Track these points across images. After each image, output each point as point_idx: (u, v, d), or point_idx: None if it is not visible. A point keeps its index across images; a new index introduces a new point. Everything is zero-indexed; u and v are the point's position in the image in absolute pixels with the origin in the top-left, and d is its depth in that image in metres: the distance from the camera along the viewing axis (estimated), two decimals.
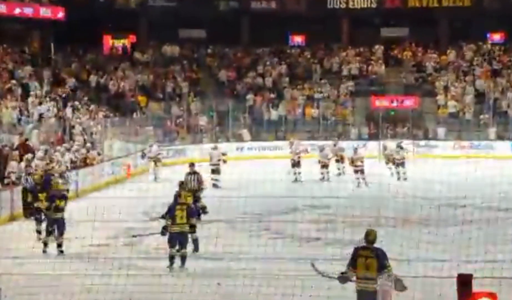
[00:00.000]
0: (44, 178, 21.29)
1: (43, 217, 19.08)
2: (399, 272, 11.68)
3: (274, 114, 44.37)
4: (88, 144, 32.06)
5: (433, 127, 43.44)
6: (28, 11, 43.71)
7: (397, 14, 49.14)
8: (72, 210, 19.73)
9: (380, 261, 11.06)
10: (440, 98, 44.29)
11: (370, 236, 11.29)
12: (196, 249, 17.55)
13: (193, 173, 22.72)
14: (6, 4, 42.53)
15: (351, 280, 11.29)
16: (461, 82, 45.37)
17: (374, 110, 44.02)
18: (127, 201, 25.02)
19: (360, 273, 11.08)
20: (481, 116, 42.89)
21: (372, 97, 44.61)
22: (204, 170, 25.92)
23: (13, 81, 38.07)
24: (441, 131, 42.83)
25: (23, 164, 24.65)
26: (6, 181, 24.32)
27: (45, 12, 44.40)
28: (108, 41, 50.39)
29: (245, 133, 42.99)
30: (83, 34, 45.75)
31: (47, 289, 14.16)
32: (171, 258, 16.38)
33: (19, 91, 37.00)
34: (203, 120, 43.42)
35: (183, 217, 16.56)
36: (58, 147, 29.47)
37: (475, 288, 8.45)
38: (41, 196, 19.39)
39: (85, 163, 30.08)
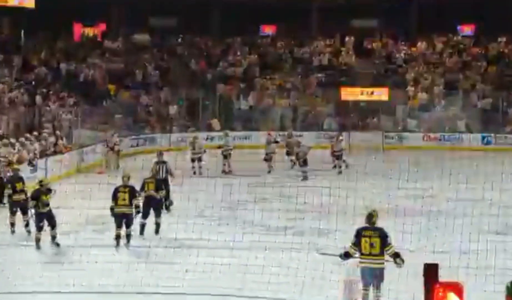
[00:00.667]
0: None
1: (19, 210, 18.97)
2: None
3: (244, 104, 44.38)
4: (58, 132, 31.94)
5: (403, 119, 43.59)
6: None
7: (367, 5, 49.29)
8: None
9: (383, 240, 12.24)
10: (410, 90, 44.48)
11: (372, 218, 12.48)
12: (156, 231, 18.56)
13: (162, 162, 22.64)
14: None
15: (352, 257, 12.47)
16: (431, 73, 45.61)
17: (344, 101, 44.14)
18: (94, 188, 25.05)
19: (365, 252, 12.24)
20: (451, 108, 43.11)
21: (342, 88, 44.73)
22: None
23: None
24: (411, 122, 43.03)
25: None
26: None
27: None
28: (79, 29, 50.08)
29: (215, 122, 42.93)
30: (54, 22, 45.48)
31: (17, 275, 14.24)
32: (117, 237, 17.54)
33: None
34: (173, 109, 43.33)
35: (126, 199, 17.51)
36: (27, 135, 29.37)
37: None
38: (18, 186, 19.30)
39: (54, 151, 29.99)
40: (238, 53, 48.18)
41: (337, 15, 49.16)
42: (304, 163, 29.18)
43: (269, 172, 30.59)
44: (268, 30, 51.10)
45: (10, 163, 20.10)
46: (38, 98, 36.83)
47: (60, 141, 31.09)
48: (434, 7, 47.34)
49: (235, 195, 19.94)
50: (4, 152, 25.01)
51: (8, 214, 19.14)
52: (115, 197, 17.61)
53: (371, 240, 12.22)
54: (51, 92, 38.86)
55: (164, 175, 21.91)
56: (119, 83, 44.57)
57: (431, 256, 13.81)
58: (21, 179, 19.70)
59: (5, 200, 20.29)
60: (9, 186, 19.30)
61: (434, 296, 7.03)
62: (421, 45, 48.07)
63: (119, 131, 35.63)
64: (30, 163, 26.51)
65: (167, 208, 21.12)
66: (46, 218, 17.63)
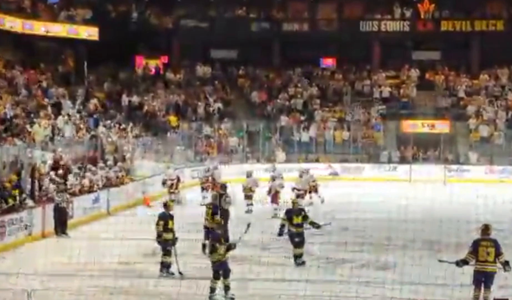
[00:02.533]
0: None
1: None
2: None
3: (304, 136, 44.34)
4: (120, 163, 32.23)
5: (465, 152, 43.13)
6: (63, 30, 44.17)
7: (429, 37, 49.03)
8: (104, 228, 19.80)
9: (497, 249, 14.16)
10: (472, 122, 44.02)
11: (489, 230, 14.39)
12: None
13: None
14: (41, 24, 43.00)
15: (468, 264, 14.28)
16: (493, 106, 45.09)
17: (405, 134, 43.89)
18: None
19: (481, 258, 14.09)
20: None
21: (403, 120, 44.49)
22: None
23: (47, 100, 38.45)
24: (472, 155, 42.53)
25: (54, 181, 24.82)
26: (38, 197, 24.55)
27: (79, 31, 44.84)
28: (141, 61, 50.70)
29: (279, 153, 42.86)
30: (116, 54, 46.11)
31: None
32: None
33: (52, 109, 37.31)
34: (233, 141, 43.48)
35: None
36: (89, 166, 29.66)
37: None
38: (170, 224, 17.71)
39: (116, 182, 30.24)
40: (299, 85, 48.20)
41: (398, 47, 48.96)
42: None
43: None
44: (329, 61, 51.07)
45: (166, 204, 18.72)
46: (100, 130, 37.21)
47: (122, 172, 31.35)
48: (496, 40, 46.83)
49: None
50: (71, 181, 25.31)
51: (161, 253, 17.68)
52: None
53: (488, 249, 14.10)
54: (113, 124, 39.24)
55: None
56: (181, 115, 44.90)
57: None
58: (172, 217, 17.90)
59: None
60: (161, 223, 17.55)
61: None
62: (483, 77, 47.55)
63: (179, 163, 35.74)
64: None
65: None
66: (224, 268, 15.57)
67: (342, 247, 19.38)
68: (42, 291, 14.13)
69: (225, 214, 21.43)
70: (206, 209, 19.89)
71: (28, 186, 24.89)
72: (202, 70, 49.36)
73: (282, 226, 18.69)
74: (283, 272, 17.04)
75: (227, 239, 18.83)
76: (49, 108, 37.32)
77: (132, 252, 19.31)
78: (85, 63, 47.00)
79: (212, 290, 15.05)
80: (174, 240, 17.51)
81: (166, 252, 17.42)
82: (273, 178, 28.31)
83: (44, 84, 40.94)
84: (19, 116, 33.46)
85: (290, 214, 18.55)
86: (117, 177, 30.58)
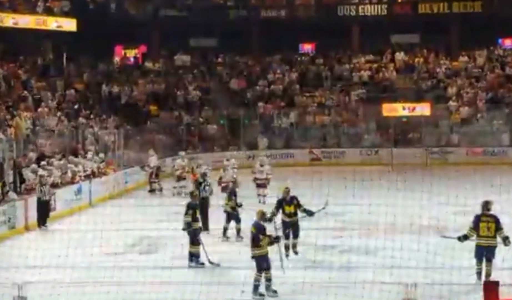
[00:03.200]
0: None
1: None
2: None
3: (285, 122, 44.36)
4: (101, 154, 32.17)
5: (446, 134, 43.26)
6: (41, 22, 43.89)
7: (407, 20, 49.04)
8: (87, 220, 19.80)
9: (497, 224, 14.96)
10: (452, 104, 44.15)
11: (488, 205, 15.15)
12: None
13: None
14: (19, 16, 42.72)
15: (469, 239, 15.14)
16: (473, 87, 45.25)
17: (386, 118, 43.99)
18: (138, 209, 25.26)
19: (483, 234, 14.91)
20: (494, 122, 42.72)
21: (383, 104, 44.59)
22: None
23: (26, 92, 38.28)
24: (453, 137, 42.69)
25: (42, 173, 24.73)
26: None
27: (57, 23, 44.58)
28: (120, 51, 50.56)
29: (261, 140, 42.88)
30: (95, 45, 45.97)
31: (72, 298, 14.31)
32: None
33: (32, 101, 37.18)
34: (213, 129, 43.45)
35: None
36: (71, 157, 29.59)
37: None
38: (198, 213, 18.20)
39: (98, 173, 30.20)
40: (278, 71, 48.20)
41: (376, 31, 48.95)
42: None
43: None
44: (308, 47, 51.07)
45: (193, 193, 18.96)
46: (80, 121, 37.11)
47: (103, 163, 31.30)
48: (474, 21, 46.92)
49: None
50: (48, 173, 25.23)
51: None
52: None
53: (488, 225, 14.89)
54: (93, 115, 39.14)
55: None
56: (161, 104, 44.81)
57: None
58: (198, 207, 18.48)
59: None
60: (190, 212, 17.75)
61: None
62: (463, 59, 47.69)
63: (161, 152, 35.59)
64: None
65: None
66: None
67: (326, 233, 19.42)
68: (33, 284, 14.08)
69: (205, 203, 21.67)
70: (227, 195, 20.67)
71: (10, 179, 24.84)
72: (181, 59, 49.25)
73: (273, 214, 17.51)
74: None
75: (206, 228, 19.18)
76: (30, 100, 37.17)
77: (119, 243, 19.34)
78: (64, 55, 46.82)
79: (256, 286, 14.61)
80: (200, 229, 17.68)
81: (195, 242, 17.42)
82: (224, 169, 27.31)
83: (24, 76, 40.75)
84: None
85: (281, 203, 18.07)
86: (99, 168, 30.52)
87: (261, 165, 28.21)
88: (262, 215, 15.31)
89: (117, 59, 50.09)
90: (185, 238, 17.72)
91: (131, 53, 50.69)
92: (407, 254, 16.22)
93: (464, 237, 15.25)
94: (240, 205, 20.18)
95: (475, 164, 37.78)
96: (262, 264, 14.66)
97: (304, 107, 45.29)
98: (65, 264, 17.36)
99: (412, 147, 42.06)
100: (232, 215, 20.17)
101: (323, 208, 18.37)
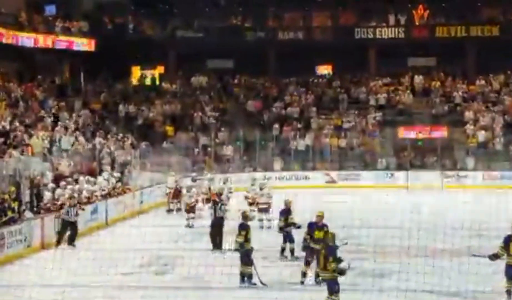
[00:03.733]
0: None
1: None
2: None
3: (301, 144, 44.35)
4: (117, 174, 32.28)
5: (462, 158, 43.13)
6: (59, 42, 44.26)
7: (424, 44, 49.09)
8: (104, 239, 19.83)
9: None
10: (469, 128, 44.04)
11: None
12: None
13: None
14: (37, 36, 43.07)
15: (499, 258, 15.35)
16: (490, 112, 45.15)
17: (402, 140, 43.93)
18: (155, 229, 25.28)
19: None
20: (511, 147, 42.56)
21: (400, 127, 44.55)
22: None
23: (43, 111, 38.50)
24: (470, 161, 42.53)
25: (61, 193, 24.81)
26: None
27: (76, 43, 44.93)
28: (137, 71, 50.83)
29: (276, 162, 42.92)
30: (113, 65, 46.25)
31: None
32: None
33: (49, 121, 37.37)
34: (229, 150, 43.48)
35: None
36: (87, 177, 29.66)
37: None
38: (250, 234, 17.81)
39: (114, 192, 30.28)
40: (295, 93, 48.27)
41: (393, 54, 48.97)
42: None
43: None
44: (324, 69, 51.17)
45: (244, 215, 18.86)
46: (98, 141, 37.26)
47: (119, 183, 31.42)
48: (491, 45, 46.86)
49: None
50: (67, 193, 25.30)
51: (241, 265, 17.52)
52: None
53: None
54: (110, 135, 39.29)
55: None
56: (177, 125, 44.96)
57: None
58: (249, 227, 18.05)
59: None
60: (243, 233, 17.53)
61: None
62: (479, 83, 47.61)
63: (177, 172, 35.61)
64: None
65: None
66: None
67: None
68: None
69: (220, 222, 21.77)
70: (281, 215, 20.33)
71: (27, 198, 24.94)
72: (198, 80, 49.45)
73: (305, 241, 17.48)
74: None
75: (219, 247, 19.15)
76: (47, 120, 37.37)
77: (135, 262, 19.38)
78: (82, 75, 47.09)
79: None
80: (252, 249, 17.62)
81: (247, 262, 17.35)
82: (261, 188, 27.41)
83: (41, 96, 41.02)
84: (17, 129, 33.49)
85: (312, 227, 17.64)
86: (115, 188, 30.61)
87: (261, 189, 27.38)
88: (331, 237, 15.23)
89: (134, 79, 50.28)
90: (201, 258, 17.73)
91: (149, 74, 50.91)
92: (422, 278, 16.18)
93: (495, 256, 15.47)
94: (299, 227, 19.89)
95: (492, 188, 37.74)
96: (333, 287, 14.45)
97: (320, 129, 45.27)
98: (81, 283, 17.41)
99: (427, 170, 41.92)
100: (287, 235, 20.16)
101: (345, 243, 17.99)
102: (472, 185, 39.54)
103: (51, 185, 26.20)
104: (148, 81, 50.57)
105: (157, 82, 50.44)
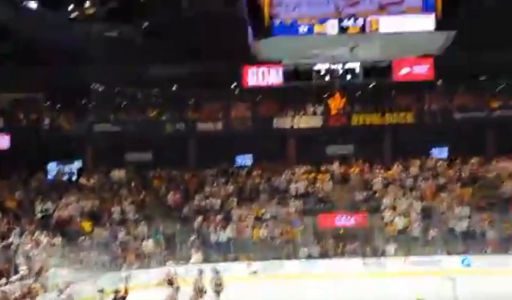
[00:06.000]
0: None
1: None
2: None
3: (222, 236, 43.94)
4: (33, 275, 31.44)
5: (382, 244, 43.23)
6: None
7: (341, 131, 49.65)
8: None
9: None
10: (387, 214, 44.27)
11: None
12: None
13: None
14: None
15: None
16: (407, 198, 45.52)
17: (323, 228, 43.93)
18: None
19: None
20: (430, 232, 42.82)
21: (320, 215, 44.60)
22: None
23: None
24: (390, 248, 42.62)
25: None
26: None
27: None
28: (54, 167, 50.13)
29: (195, 254, 42.30)
30: (28, 161, 45.53)
31: None
32: None
33: None
34: (149, 244, 42.76)
35: None
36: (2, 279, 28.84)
37: None
38: None
39: (29, 294, 29.41)
40: (215, 185, 48.08)
41: (313, 142, 49.41)
42: None
43: None
44: (244, 159, 51.23)
45: None
46: (13, 240, 36.37)
47: (35, 284, 30.55)
48: (407, 132, 47.69)
49: None
50: None
51: None
52: None
53: None
54: (25, 234, 38.36)
55: None
56: (95, 221, 44.19)
57: None
58: None
59: None
60: None
61: None
62: (396, 169, 48.14)
63: (94, 270, 34.92)
64: None
65: None
66: None
67: None
68: None
69: None
70: None
71: None
72: (117, 174, 48.95)
73: None
74: None
75: None
76: None
77: None
78: None
79: None
80: None
81: None
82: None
83: None
84: None
85: None
86: (29, 289, 29.72)
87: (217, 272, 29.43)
88: None
89: (51, 175, 49.53)
90: None
91: (66, 169, 50.24)
92: None
93: None
94: None
95: (412, 274, 37.93)
96: None
97: (241, 221, 45.00)
98: None
99: (348, 258, 41.90)
100: None
101: None
102: (393, 272, 39.55)
103: None
104: (65, 177, 49.76)
105: (75, 177, 49.70)
